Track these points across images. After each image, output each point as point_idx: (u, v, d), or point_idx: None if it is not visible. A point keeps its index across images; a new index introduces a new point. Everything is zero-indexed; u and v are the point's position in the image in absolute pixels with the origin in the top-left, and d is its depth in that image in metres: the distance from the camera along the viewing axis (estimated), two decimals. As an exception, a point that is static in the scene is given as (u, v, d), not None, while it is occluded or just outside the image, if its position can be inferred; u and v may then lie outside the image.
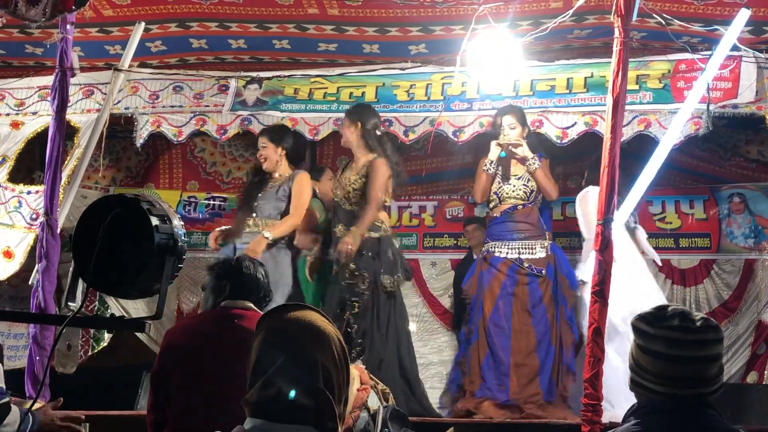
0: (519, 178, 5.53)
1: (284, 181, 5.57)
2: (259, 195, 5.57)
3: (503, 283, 5.39)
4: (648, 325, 2.22)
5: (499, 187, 5.53)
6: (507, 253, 5.44)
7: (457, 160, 7.77)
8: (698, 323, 2.19)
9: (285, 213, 5.50)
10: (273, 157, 5.59)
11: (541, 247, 5.45)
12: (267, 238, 5.31)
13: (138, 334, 6.66)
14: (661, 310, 2.26)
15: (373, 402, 3.49)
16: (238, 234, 5.50)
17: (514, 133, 5.49)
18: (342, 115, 5.97)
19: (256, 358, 1.96)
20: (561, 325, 5.36)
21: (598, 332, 3.89)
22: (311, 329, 1.97)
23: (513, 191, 5.51)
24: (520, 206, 5.51)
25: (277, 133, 5.71)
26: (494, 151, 5.52)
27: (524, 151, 5.49)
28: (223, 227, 5.72)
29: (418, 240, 7.64)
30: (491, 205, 5.61)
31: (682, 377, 2.17)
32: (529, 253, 5.42)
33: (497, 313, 5.34)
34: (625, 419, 2.27)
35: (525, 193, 5.50)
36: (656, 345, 2.19)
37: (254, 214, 5.51)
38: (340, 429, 1.95)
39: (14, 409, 3.02)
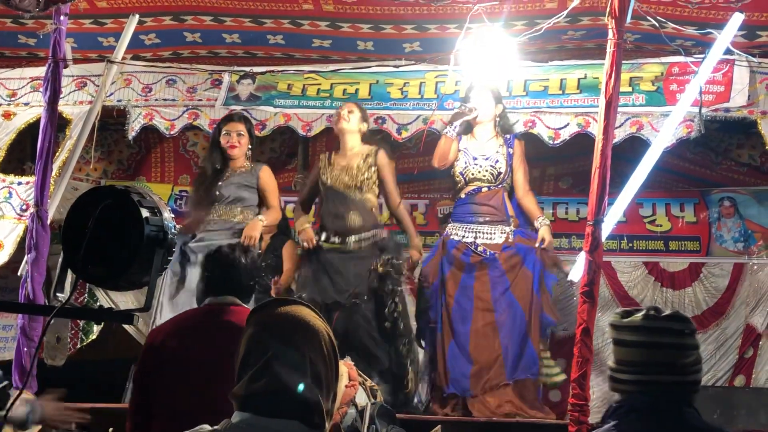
0: (487, 159, 5.36)
1: (247, 170, 5.51)
2: (220, 184, 5.46)
3: (464, 268, 5.26)
4: (619, 317, 2.35)
5: (465, 168, 5.37)
6: (463, 236, 5.29)
7: (449, 159, 7.77)
8: (664, 314, 2.30)
9: (259, 204, 5.50)
10: (244, 148, 5.52)
11: (501, 233, 5.26)
12: (262, 221, 5.33)
13: (127, 327, 6.65)
14: (636, 307, 2.39)
15: (361, 398, 3.49)
16: (197, 228, 5.42)
17: (487, 108, 5.35)
18: (334, 111, 5.98)
19: (245, 351, 1.96)
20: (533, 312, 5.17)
21: (586, 332, 3.89)
22: (301, 324, 1.97)
23: (479, 172, 5.34)
24: (485, 188, 5.33)
25: (252, 125, 5.70)
26: (457, 114, 5.41)
27: (479, 115, 5.35)
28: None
29: (410, 238, 7.64)
30: (458, 187, 5.45)
31: (650, 363, 2.25)
32: (487, 237, 5.25)
33: (459, 300, 5.21)
34: (604, 420, 2.29)
35: (492, 174, 5.32)
36: (625, 333, 2.30)
37: (217, 203, 5.41)
38: (327, 425, 1.95)
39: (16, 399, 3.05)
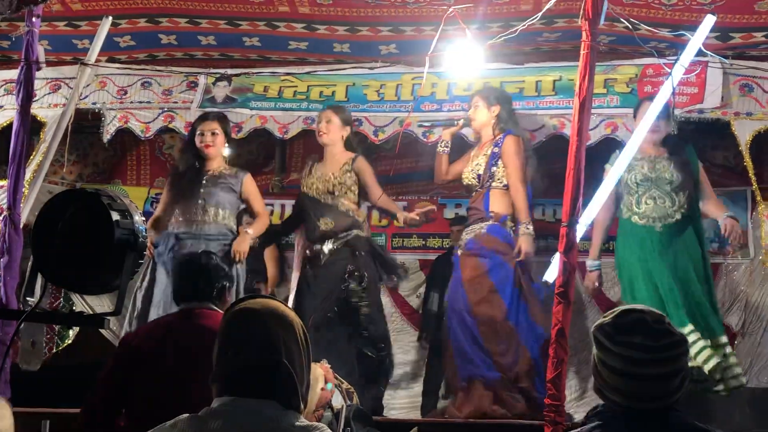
0: (470, 165, 5.42)
1: (229, 175, 5.47)
2: (203, 182, 5.42)
3: (453, 268, 5.38)
4: (607, 338, 2.11)
5: (463, 177, 5.47)
6: (461, 239, 5.42)
7: (426, 161, 7.74)
8: (660, 341, 2.07)
9: (238, 208, 5.48)
10: (220, 147, 5.48)
11: (479, 229, 5.27)
12: (249, 234, 5.32)
13: (103, 331, 6.60)
14: (622, 317, 2.13)
15: (337, 401, 3.49)
16: (165, 227, 5.40)
17: (478, 113, 5.38)
18: (312, 113, 5.97)
19: (222, 339, 2.04)
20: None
21: (561, 333, 3.89)
22: (275, 312, 2.05)
23: (467, 179, 5.41)
24: (474, 192, 5.40)
25: (228, 123, 5.64)
26: (446, 132, 5.53)
27: (476, 125, 5.41)
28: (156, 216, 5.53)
29: (387, 240, 7.63)
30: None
31: (640, 393, 2.08)
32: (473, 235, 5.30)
33: (450, 300, 5.36)
34: (588, 419, 2.22)
35: (474, 179, 5.35)
36: (614, 361, 2.09)
37: (200, 201, 5.36)
38: (303, 408, 2.01)
39: None
